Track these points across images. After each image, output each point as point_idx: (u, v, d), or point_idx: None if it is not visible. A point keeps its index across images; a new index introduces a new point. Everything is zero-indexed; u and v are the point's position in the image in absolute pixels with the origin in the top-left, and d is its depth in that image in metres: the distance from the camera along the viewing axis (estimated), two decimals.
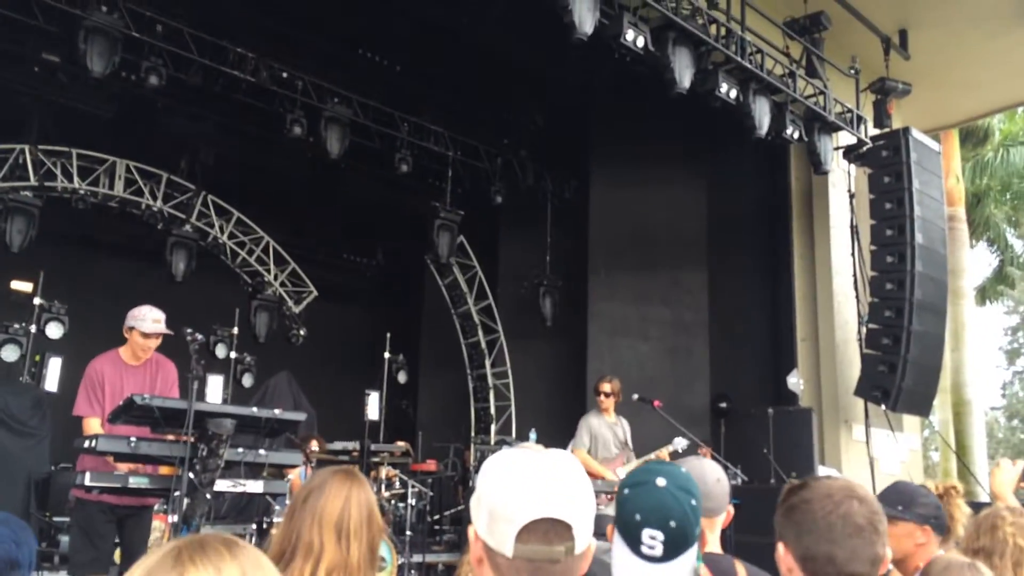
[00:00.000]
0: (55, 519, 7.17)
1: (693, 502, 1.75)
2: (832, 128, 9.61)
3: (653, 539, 1.71)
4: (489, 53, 10.50)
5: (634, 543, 1.72)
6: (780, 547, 1.67)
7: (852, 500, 1.64)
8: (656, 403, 6.79)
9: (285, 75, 10.33)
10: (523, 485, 1.22)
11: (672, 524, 1.71)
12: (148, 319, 4.66)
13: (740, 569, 2.34)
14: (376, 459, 8.08)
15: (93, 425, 4.47)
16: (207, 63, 9.66)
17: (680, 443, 6.68)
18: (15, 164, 10.13)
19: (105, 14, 8.43)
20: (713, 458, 7.38)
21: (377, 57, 11.19)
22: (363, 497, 2.19)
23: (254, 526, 6.66)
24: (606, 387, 6.98)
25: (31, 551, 1.69)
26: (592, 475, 6.61)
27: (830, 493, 1.66)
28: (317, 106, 10.42)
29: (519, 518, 1.19)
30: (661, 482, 1.76)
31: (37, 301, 9.80)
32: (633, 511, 1.73)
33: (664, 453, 6.68)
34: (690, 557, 1.74)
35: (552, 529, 1.20)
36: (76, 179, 10.68)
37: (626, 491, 1.79)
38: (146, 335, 4.64)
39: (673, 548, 1.73)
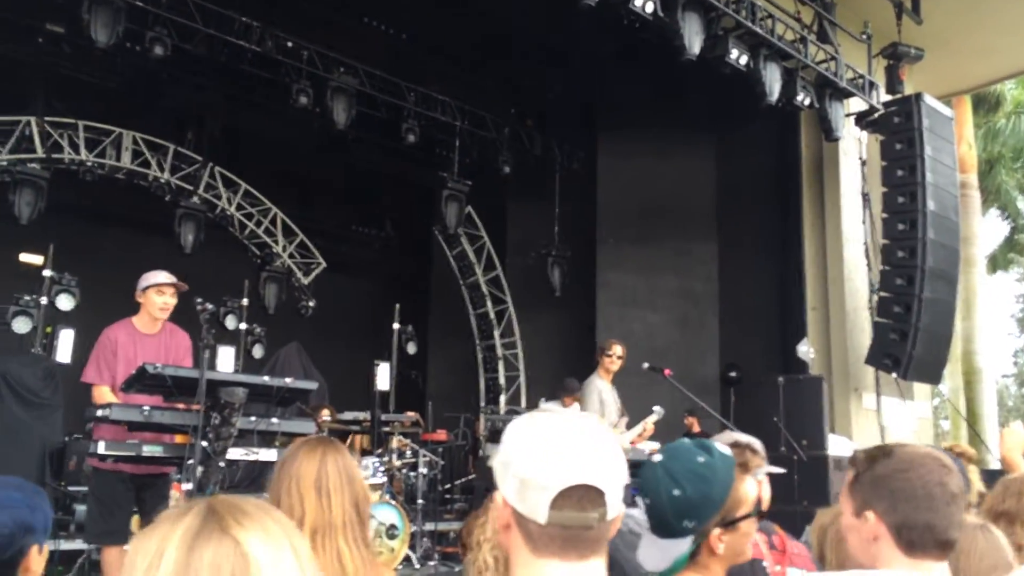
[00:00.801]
0: (70, 488, 7.24)
1: (676, 492, 1.70)
2: (843, 94, 9.50)
3: (643, 511, 1.77)
4: (496, 22, 10.39)
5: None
6: (869, 515, 1.64)
7: (943, 468, 1.66)
8: (667, 372, 6.77)
9: (290, 44, 10.24)
10: (556, 451, 1.20)
11: (647, 501, 1.76)
12: (161, 274, 4.69)
13: (778, 529, 2.40)
14: (387, 429, 8.10)
15: (103, 393, 4.48)
16: (212, 33, 9.57)
17: (659, 411, 6.68)
18: (22, 136, 10.10)
19: None
20: (724, 428, 7.39)
21: (383, 26, 11.09)
22: (339, 459, 2.19)
23: (267, 494, 6.69)
24: (618, 349, 6.92)
25: (46, 517, 1.69)
26: None
27: (924, 463, 1.66)
28: (323, 76, 10.34)
29: (553, 485, 1.18)
30: (657, 458, 1.79)
31: (47, 273, 9.80)
32: (634, 476, 1.74)
33: (651, 423, 6.68)
34: (676, 547, 1.73)
35: (586, 495, 1.19)
36: (83, 151, 10.65)
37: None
38: (161, 290, 4.64)
39: (656, 526, 1.75)
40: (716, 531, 1.74)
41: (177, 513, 0.91)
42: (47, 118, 10.31)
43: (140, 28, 9.02)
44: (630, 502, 1.64)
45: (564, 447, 1.20)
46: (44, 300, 9.52)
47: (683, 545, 1.73)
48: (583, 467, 1.19)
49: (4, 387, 7.39)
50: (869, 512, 1.65)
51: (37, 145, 10.18)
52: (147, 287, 4.68)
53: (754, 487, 1.87)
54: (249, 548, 0.87)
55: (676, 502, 1.71)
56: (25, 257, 11.08)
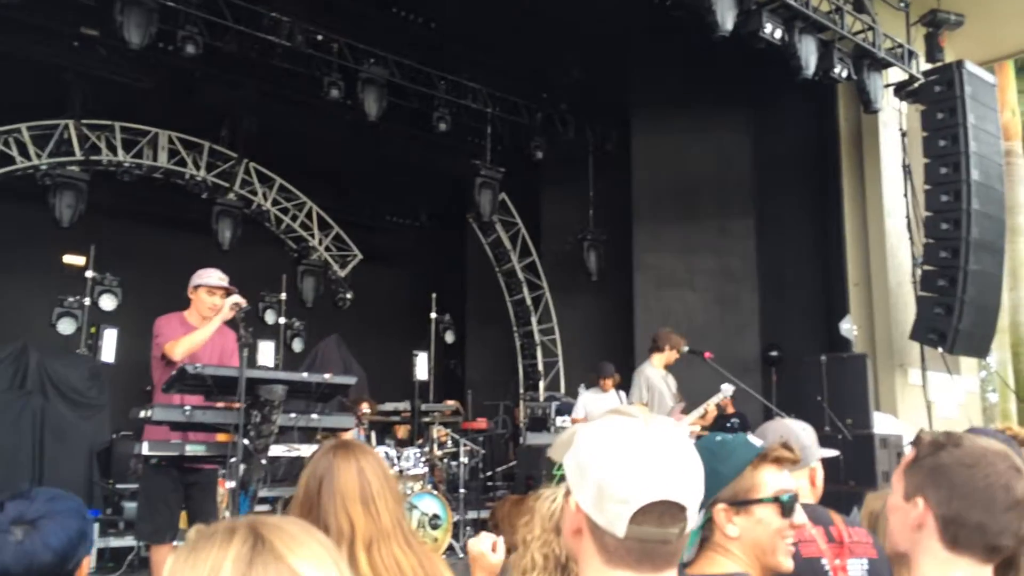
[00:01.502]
0: (118, 486, 7.38)
1: None
2: (882, 65, 9.28)
3: None
4: (523, 6, 10.31)
5: None
6: (919, 501, 1.58)
7: (1013, 471, 1.55)
8: (707, 354, 6.71)
9: (320, 38, 10.26)
10: (639, 464, 1.15)
11: None
12: (214, 276, 4.74)
13: (836, 516, 2.34)
14: (427, 419, 8.15)
15: (178, 342, 4.56)
16: (242, 29, 9.63)
17: (728, 389, 6.56)
18: (60, 139, 10.27)
19: None
20: (766, 409, 7.31)
21: (411, 16, 11.06)
22: (372, 462, 2.17)
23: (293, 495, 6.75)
24: (684, 348, 6.86)
25: (91, 525, 1.72)
26: None
27: (993, 461, 1.56)
28: (353, 68, 10.35)
29: (635, 500, 1.13)
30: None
31: (90, 274, 9.99)
32: None
33: (711, 405, 6.59)
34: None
35: (667, 511, 1.15)
36: (120, 152, 10.80)
37: None
38: (212, 291, 4.69)
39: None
40: (722, 506, 1.71)
41: (220, 537, 0.90)
42: (84, 121, 10.46)
43: (172, 28, 9.10)
44: None
45: (648, 459, 1.16)
46: (87, 301, 9.70)
47: (694, 521, 1.70)
48: (667, 482, 1.15)
49: (51, 388, 7.55)
50: (920, 498, 1.58)
51: (76, 148, 10.34)
52: (199, 285, 4.74)
53: (777, 479, 1.79)
54: (304, 573, 0.88)
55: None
56: (68, 259, 11.29)
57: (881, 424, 8.20)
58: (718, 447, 1.75)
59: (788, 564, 1.77)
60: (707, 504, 1.70)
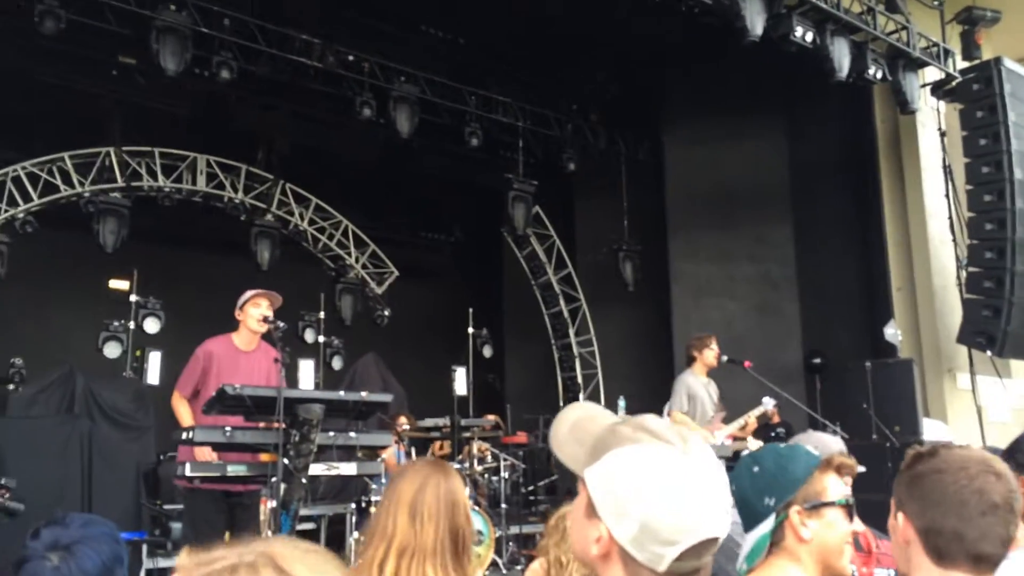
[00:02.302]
0: (165, 507, 7.46)
1: (755, 468, 1.72)
2: (917, 64, 9.14)
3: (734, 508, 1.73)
4: (551, 19, 10.34)
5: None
6: (899, 516, 1.55)
7: (989, 475, 1.51)
8: (747, 364, 6.61)
9: (351, 58, 10.37)
10: (686, 504, 1.11)
11: (733, 488, 1.68)
12: (255, 291, 4.86)
13: (864, 526, 2.32)
14: (467, 434, 8.12)
15: (177, 400, 4.72)
16: (275, 52, 9.77)
17: (768, 403, 6.48)
18: (102, 167, 10.48)
19: (174, 12, 8.60)
20: (811, 418, 7.19)
21: (440, 32, 11.14)
22: (443, 484, 2.18)
23: (353, 506, 6.79)
24: (723, 356, 6.78)
25: (126, 549, 1.74)
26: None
27: (965, 465, 1.52)
28: (384, 87, 10.44)
29: (683, 541, 1.10)
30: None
31: (133, 298, 10.16)
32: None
33: (754, 416, 6.50)
34: (761, 529, 1.71)
35: (707, 545, 1.12)
36: (160, 177, 10.99)
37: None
38: (255, 300, 4.80)
39: (743, 516, 1.74)
40: (797, 508, 1.70)
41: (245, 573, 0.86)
42: (125, 148, 10.67)
43: (206, 54, 9.27)
44: None
45: (694, 497, 1.11)
46: (132, 324, 9.86)
47: (766, 525, 1.70)
48: (712, 520, 1.12)
49: (97, 412, 7.68)
50: (901, 513, 1.55)
51: (117, 174, 10.55)
52: (244, 302, 4.82)
53: (840, 485, 1.81)
54: None
55: (756, 479, 1.71)
56: (113, 284, 11.51)
57: (931, 431, 8.00)
58: (786, 450, 1.78)
59: (849, 569, 1.78)
60: (779, 506, 1.70)
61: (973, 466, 1.51)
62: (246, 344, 4.86)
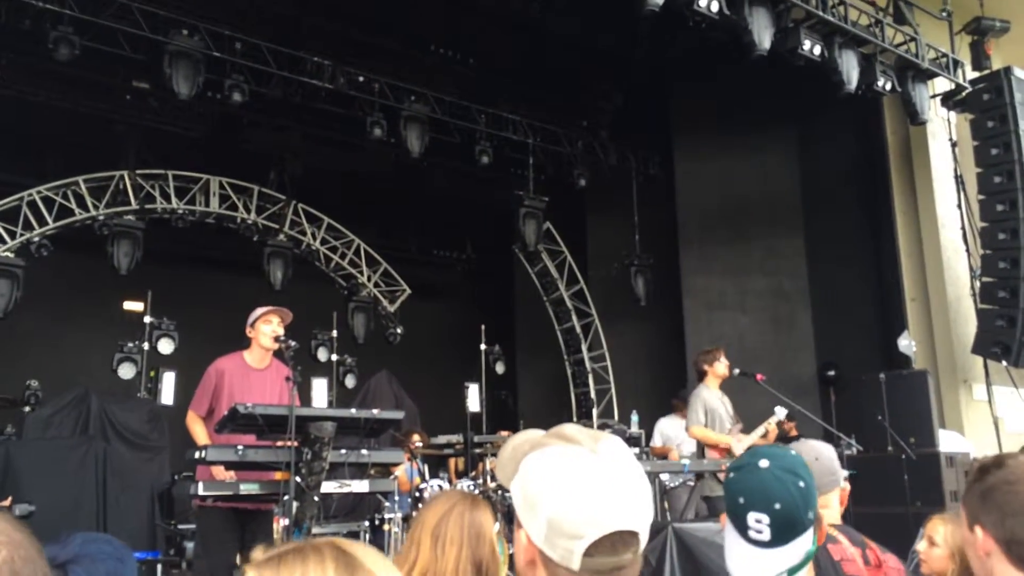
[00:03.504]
0: (180, 527, 7.49)
1: (801, 484, 1.69)
2: (927, 75, 9.13)
3: (759, 522, 1.66)
4: (560, 37, 10.41)
5: (741, 527, 1.69)
6: (977, 530, 1.56)
7: None
8: (759, 377, 6.59)
9: (362, 79, 10.46)
10: (589, 498, 1.12)
11: (777, 506, 1.67)
12: (267, 307, 4.89)
13: (869, 541, 2.33)
14: (480, 451, 8.11)
15: (192, 419, 4.71)
16: (286, 75, 9.87)
17: (781, 412, 6.44)
18: (116, 190, 10.59)
19: (186, 37, 8.72)
20: (825, 431, 7.14)
21: (449, 52, 11.23)
22: (468, 514, 2.20)
23: (367, 523, 6.79)
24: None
25: (133, 569, 1.73)
26: (714, 447, 6.49)
27: None
28: (395, 106, 10.52)
29: (588, 534, 1.11)
30: (764, 463, 1.72)
31: (148, 319, 10.23)
32: (737, 494, 1.71)
33: (771, 424, 6.47)
34: (804, 542, 1.69)
35: (620, 539, 1.12)
36: (174, 199, 11.09)
37: (731, 475, 1.78)
38: (266, 318, 4.82)
39: (782, 531, 1.68)
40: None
41: (311, 553, 0.94)
42: (139, 171, 10.79)
43: (219, 77, 9.38)
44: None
45: (598, 492, 1.13)
46: (146, 346, 9.92)
47: (807, 539, 1.70)
48: (618, 513, 1.12)
49: (111, 432, 7.74)
50: (977, 526, 1.56)
51: (131, 197, 10.65)
52: (255, 320, 4.85)
53: None
54: None
55: (803, 494, 1.69)
56: (128, 305, 11.59)
57: (947, 442, 7.95)
58: (802, 460, 1.78)
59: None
60: (814, 519, 1.71)
61: None
62: (258, 362, 4.88)
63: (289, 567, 0.92)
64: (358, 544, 0.97)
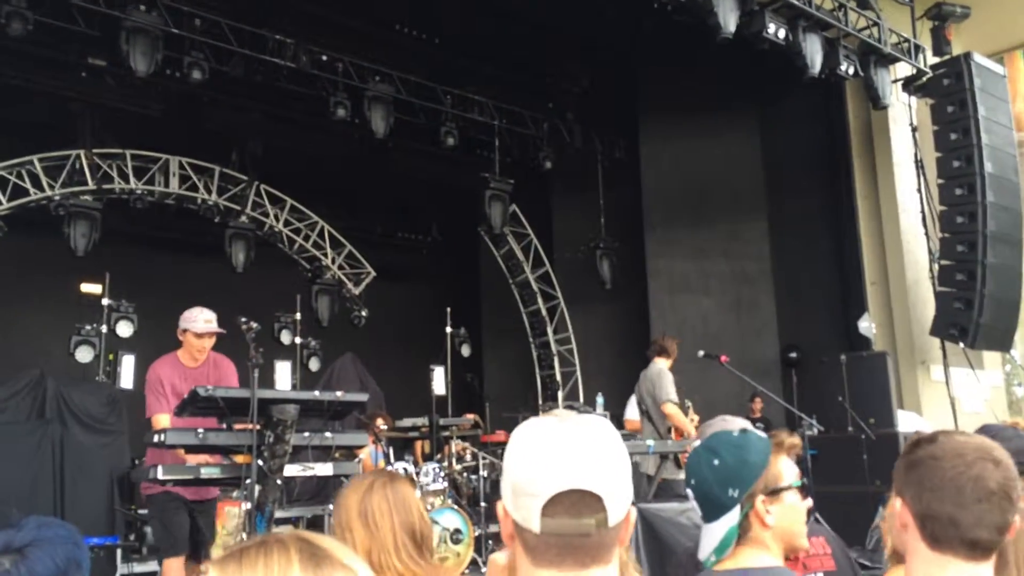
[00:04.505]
0: (140, 511, 7.39)
1: (715, 461, 1.75)
2: (889, 60, 9.23)
3: (691, 499, 1.80)
4: (526, 19, 10.34)
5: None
6: (897, 502, 1.57)
7: (986, 462, 1.51)
8: (723, 358, 6.65)
9: (325, 58, 10.31)
10: (545, 456, 1.14)
11: (693, 482, 1.78)
12: (200, 320, 4.67)
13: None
14: (446, 433, 8.09)
15: (164, 420, 4.53)
16: (247, 53, 9.69)
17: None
18: (72, 169, 10.34)
19: (144, 13, 8.51)
20: (787, 412, 7.24)
21: (415, 32, 11.10)
22: (389, 485, 2.23)
23: (331, 507, 6.75)
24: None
25: (86, 553, 1.69)
26: (681, 430, 6.56)
27: (962, 452, 1.52)
28: (359, 86, 10.39)
29: (543, 491, 1.12)
30: (697, 443, 1.84)
31: (106, 302, 10.03)
32: (688, 475, 1.85)
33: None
34: (729, 520, 1.73)
35: (581, 501, 1.12)
36: (132, 179, 10.86)
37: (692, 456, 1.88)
38: (199, 335, 4.68)
39: (704, 509, 1.77)
40: (760, 497, 1.76)
41: (275, 547, 0.90)
42: (95, 150, 10.54)
43: (178, 54, 9.18)
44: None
45: (555, 451, 1.14)
46: (104, 328, 9.74)
47: (732, 517, 1.74)
48: (575, 471, 1.12)
49: (69, 416, 7.58)
50: (899, 498, 1.57)
51: (88, 177, 10.41)
52: (186, 329, 4.71)
53: (792, 466, 1.88)
54: None
55: (717, 472, 1.74)
56: (85, 287, 11.36)
57: (905, 422, 8.10)
58: (739, 439, 1.80)
59: (807, 542, 1.88)
60: (744, 497, 1.74)
61: (970, 453, 1.52)
62: (191, 360, 4.77)
63: (252, 562, 0.89)
64: (325, 536, 0.94)
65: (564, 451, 1.13)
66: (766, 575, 1.73)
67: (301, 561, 0.88)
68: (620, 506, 1.15)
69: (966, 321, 8.82)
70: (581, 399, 12.56)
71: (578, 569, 1.13)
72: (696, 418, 6.76)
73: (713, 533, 1.74)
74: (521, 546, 1.17)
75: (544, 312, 13.58)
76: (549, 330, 13.55)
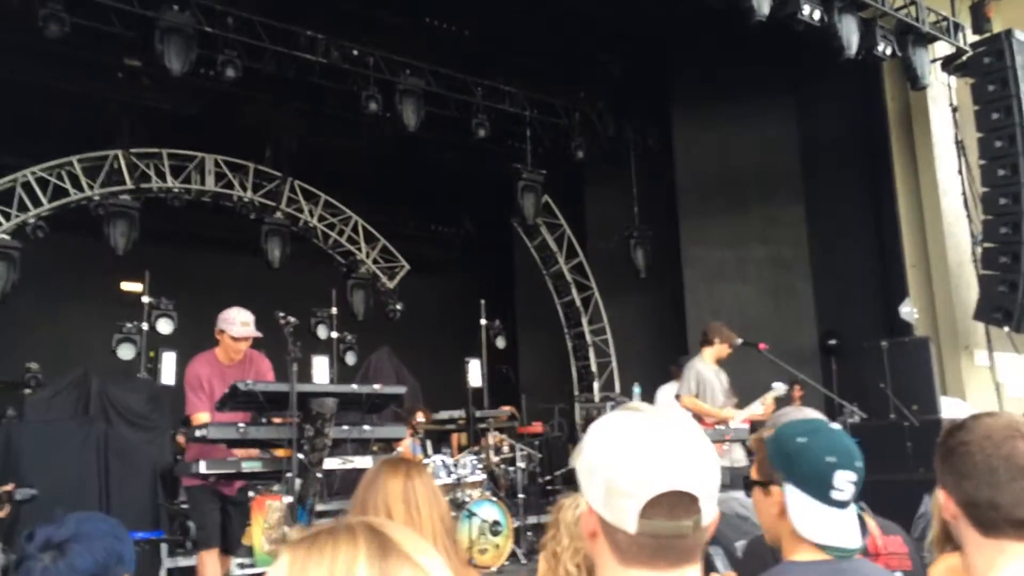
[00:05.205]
0: (183, 506, 7.49)
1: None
2: (927, 39, 9.03)
3: (849, 482, 1.67)
4: (556, 7, 10.26)
5: (824, 488, 1.67)
6: (941, 494, 1.54)
7: (1016, 440, 1.47)
8: (761, 346, 6.56)
9: (356, 52, 10.35)
10: (645, 456, 1.12)
11: (858, 464, 1.69)
12: (237, 322, 4.71)
13: (869, 520, 2.26)
14: (483, 425, 8.12)
15: (204, 418, 4.59)
16: (280, 50, 9.76)
17: (780, 387, 6.43)
18: (111, 169, 10.52)
19: (177, 12, 8.60)
20: (828, 400, 7.13)
21: (445, 24, 11.09)
22: (424, 477, 2.23)
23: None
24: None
25: (130, 546, 1.71)
26: (703, 418, 6.46)
27: (990, 433, 1.48)
28: (390, 80, 10.41)
29: (643, 492, 1.10)
30: (835, 426, 1.76)
31: (146, 300, 10.20)
32: (822, 454, 1.69)
33: (770, 399, 6.45)
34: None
35: (679, 503, 1.11)
36: (169, 178, 11.01)
37: (801, 439, 1.73)
38: (236, 339, 4.73)
39: (858, 491, 1.70)
40: None
41: (343, 534, 0.89)
42: (133, 150, 10.69)
43: (211, 53, 9.27)
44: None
45: (653, 451, 1.12)
46: (145, 326, 9.89)
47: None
48: (674, 472, 1.11)
49: (113, 413, 7.72)
50: (941, 491, 1.54)
51: (126, 177, 10.57)
52: (223, 331, 4.75)
53: None
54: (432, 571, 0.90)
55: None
56: (126, 286, 11.55)
57: (949, 408, 7.94)
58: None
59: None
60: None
61: (998, 432, 1.48)
62: (227, 358, 4.82)
63: (320, 548, 0.88)
64: (398, 527, 0.94)
65: (663, 451, 1.12)
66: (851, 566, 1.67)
67: (368, 552, 0.87)
68: (712, 506, 1.15)
69: (1011, 304, 8.63)
70: (617, 389, 12.51)
71: (670, 569, 1.13)
72: (733, 401, 6.65)
73: (852, 512, 1.70)
74: (609, 545, 1.15)
75: (579, 302, 13.55)
76: (584, 320, 13.51)
